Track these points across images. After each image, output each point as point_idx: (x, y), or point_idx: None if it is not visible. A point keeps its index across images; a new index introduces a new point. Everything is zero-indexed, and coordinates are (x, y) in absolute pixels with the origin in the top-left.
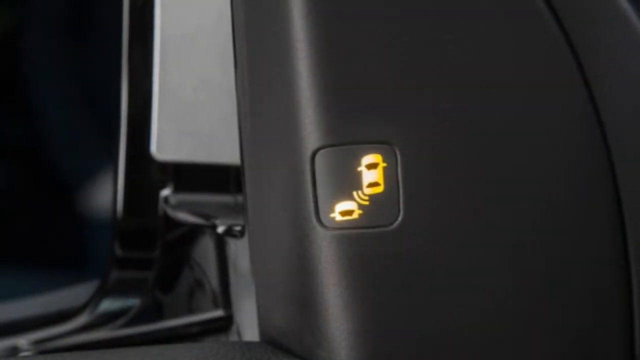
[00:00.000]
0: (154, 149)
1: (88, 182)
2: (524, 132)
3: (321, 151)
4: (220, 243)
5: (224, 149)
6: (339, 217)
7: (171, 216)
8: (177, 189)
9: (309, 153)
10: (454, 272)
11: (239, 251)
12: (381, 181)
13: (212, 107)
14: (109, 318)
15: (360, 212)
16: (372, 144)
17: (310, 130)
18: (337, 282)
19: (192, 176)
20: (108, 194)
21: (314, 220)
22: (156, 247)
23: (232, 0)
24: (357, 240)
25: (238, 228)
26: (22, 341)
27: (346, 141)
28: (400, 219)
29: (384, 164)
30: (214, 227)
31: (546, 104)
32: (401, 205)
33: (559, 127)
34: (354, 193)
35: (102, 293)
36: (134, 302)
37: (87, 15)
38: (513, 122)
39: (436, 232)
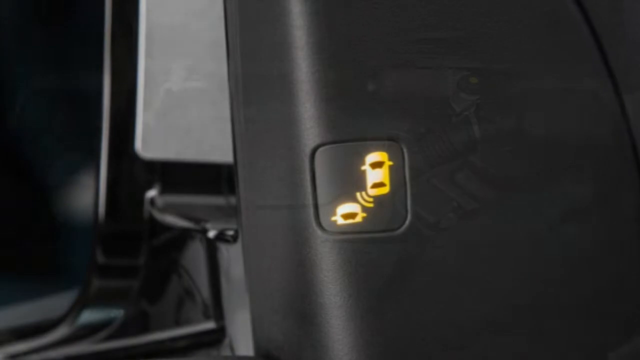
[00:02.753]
0: (138, 146)
1: (67, 183)
2: (542, 128)
3: (321, 148)
4: (212, 249)
5: (215, 146)
6: (340, 221)
7: (158, 219)
8: (164, 190)
9: (308, 150)
10: (465, 280)
11: (232, 257)
12: (387, 181)
13: (202, 101)
14: (90, 330)
15: (364, 215)
16: (377, 141)
17: (310, 125)
18: (339, 291)
19: (181, 176)
20: (89, 195)
21: (314, 224)
22: (141, 253)
23: None
24: (360, 245)
25: (231, 232)
26: None
27: (349, 138)
28: (407, 222)
29: (390, 163)
30: (205, 231)
31: (567, 98)
32: (408, 208)
33: (580, 122)
34: (357, 194)
35: (82, 303)
36: (117, 313)
37: (66, 2)
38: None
39: (446, 236)
